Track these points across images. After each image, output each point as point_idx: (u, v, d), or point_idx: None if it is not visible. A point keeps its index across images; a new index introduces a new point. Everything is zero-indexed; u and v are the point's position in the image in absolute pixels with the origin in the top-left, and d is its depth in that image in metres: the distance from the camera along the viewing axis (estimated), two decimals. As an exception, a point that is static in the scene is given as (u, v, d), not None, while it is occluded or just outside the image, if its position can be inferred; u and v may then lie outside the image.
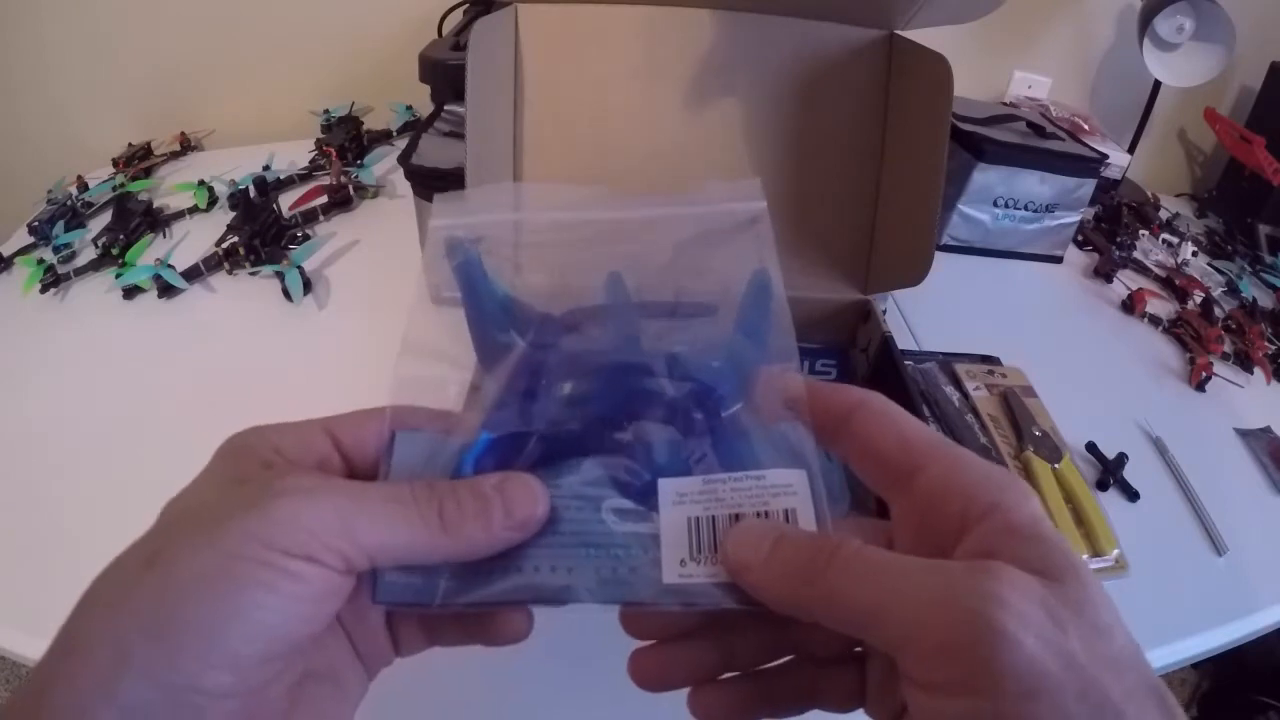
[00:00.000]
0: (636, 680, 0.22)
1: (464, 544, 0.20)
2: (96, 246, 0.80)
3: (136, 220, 0.83)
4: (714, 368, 0.24)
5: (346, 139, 0.99)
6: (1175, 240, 1.07)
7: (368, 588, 0.21)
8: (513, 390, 0.24)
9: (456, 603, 0.21)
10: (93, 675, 0.17)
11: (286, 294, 0.74)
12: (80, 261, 0.79)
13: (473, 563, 0.21)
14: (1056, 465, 0.63)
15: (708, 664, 0.23)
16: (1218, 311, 0.91)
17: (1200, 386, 0.80)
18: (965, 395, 0.70)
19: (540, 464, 0.23)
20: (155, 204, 0.88)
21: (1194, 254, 1.05)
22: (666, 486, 0.22)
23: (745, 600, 0.20)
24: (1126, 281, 0.96)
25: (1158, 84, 1.09)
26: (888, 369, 0.55)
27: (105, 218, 0.85)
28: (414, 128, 0.86)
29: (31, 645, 0.47)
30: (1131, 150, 1.16)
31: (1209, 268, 1.05)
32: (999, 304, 0.89)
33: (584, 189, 0.27)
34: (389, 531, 0.20)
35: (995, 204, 0.93)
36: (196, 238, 0.84)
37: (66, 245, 0.80)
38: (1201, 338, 0.85)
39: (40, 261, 0.76)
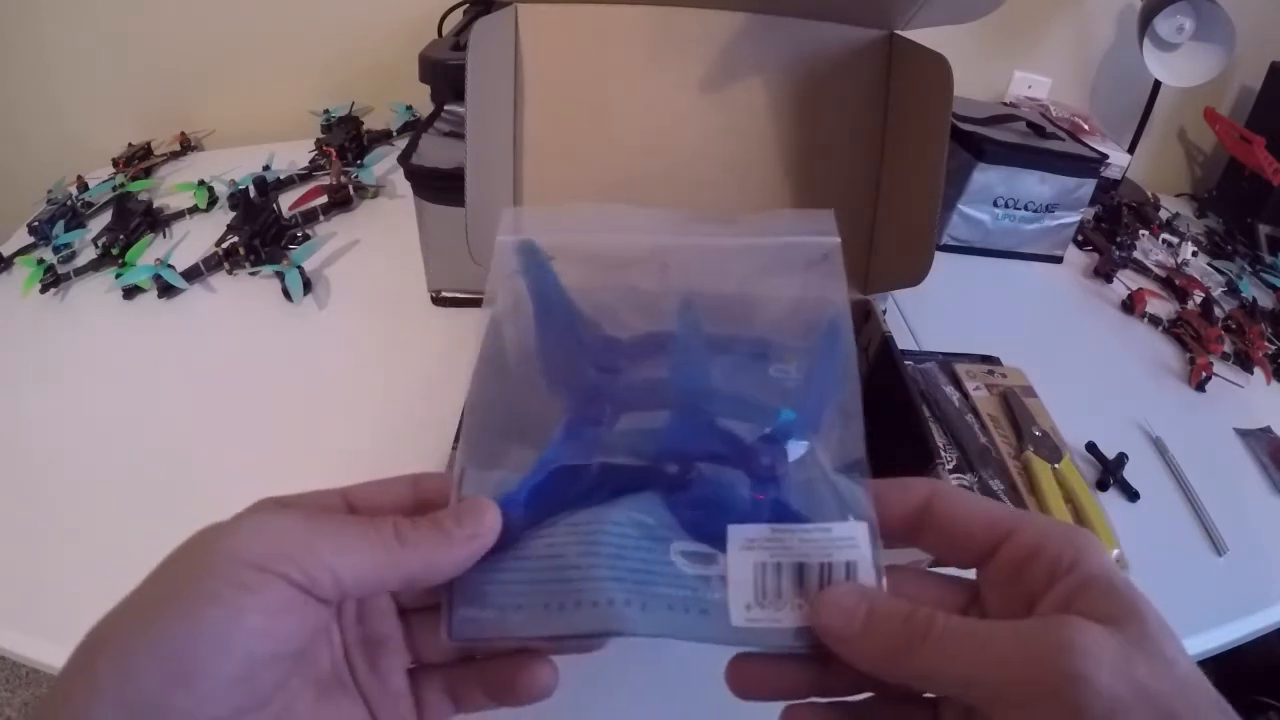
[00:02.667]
0: (733, 687, 0.23)
1: (423, 560, 0.21)
2: (96, 246, 0.80)
3: (136, 220, 0.83)
4: (783, 418, 0.25)
5: (346, 139, 0.99)
6: (1175, 240, 1.07)
7: (444, 625, 0.22)
8: (577, 415, 0.24)
9: (533, 635, 0.21)
10: (71, 709, 0.17)
11: (286, 294, 0.74)
12: (80, 261, 0.79)
13: (544, 596, 0.21)
14: (1056, 465, 0.63)
15: (801, 683, 0.23)
16: (1218, 311, 0.91)
17: (1200, 386, 0.79)
18: (965, 395, 0.70)
19: (601, 497, 0.23)
20: (155, 204, 0.88)
21: (1194, 254, 1.05)
22: (736, 532, 0.22)
23: (811, 645, 0.21)
24: (1126, 281, 0.96)
25: (1158, 84, 1.09)
26: (888, 369, 0.55)
27: (105, 218, 0.85)
28: (414, 128, 0.86)
29: (31, 646, 0.47)
30: (1131, 150, 1.16)
31: (1209, 268, 1.05)
32: (999, 304, 0.89)
33: (654, 211, 0.27)
34: (347, 549, 0.20)
35: (995, 204, 0.93)
36: (196, 238, 0.84)
37: (66, 245, 0.80)
38: (1201, 338, 0.85)
39: (40, 261, 0.76)
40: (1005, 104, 1.16)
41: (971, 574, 0.23)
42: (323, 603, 0.20)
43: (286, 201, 0.88)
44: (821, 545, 0.22)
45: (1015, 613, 0.21)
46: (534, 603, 0.21)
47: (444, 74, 0.79)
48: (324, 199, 0.88)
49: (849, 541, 0.22)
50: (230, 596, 0.18)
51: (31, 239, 0.82)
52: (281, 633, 0.19)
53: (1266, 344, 0.86)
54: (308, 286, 0.76)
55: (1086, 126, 1.12)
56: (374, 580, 0.21)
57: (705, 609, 0.22)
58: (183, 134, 1.02)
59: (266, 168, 0.93)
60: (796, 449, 0.24)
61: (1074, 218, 0.96)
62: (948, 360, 0.74)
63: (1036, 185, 0.92)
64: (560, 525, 0.23)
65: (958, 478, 0.62)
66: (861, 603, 0.21)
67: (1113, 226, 1.06)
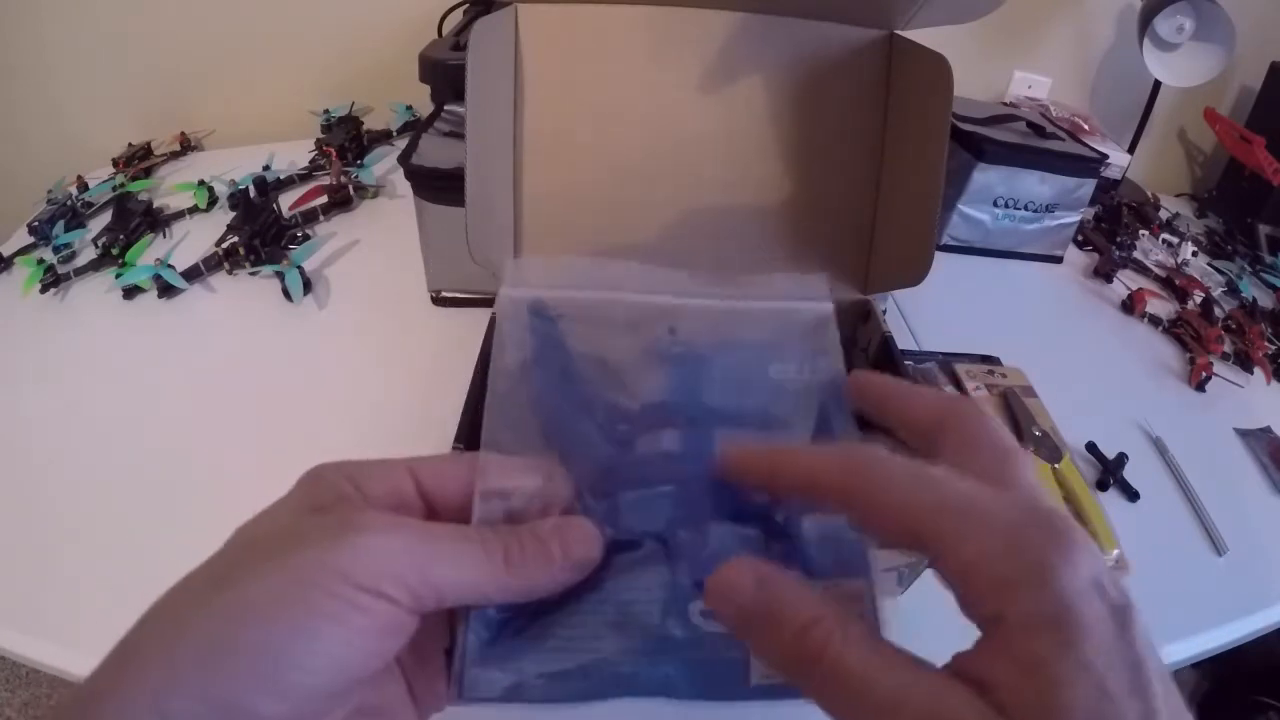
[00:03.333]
0: None
1: (526, 582, 0.21)
2: (96, 246, 0.80)
3: (136, 220, 0.83)
4: None
5: (346, 139, 0.99)
6: (1175, 240, 1.07)
7: (454, 683, 0.21)
8: (589, 487, 0.24)
9: (545, 697, 0.21)
10: (143, 688, 0.17)
11: (286, 294, 0.74)
12: (80, 261, 0.79)
13: (561, 661, 0.22)
14: (1056, 465, 0.63)
15: None
16: (1218, 311, 0.91)
17: (1200, 386, 0.79)
18: (965, 395, 0.70)
19: (619, 565, 0.23)
20: (155, 204, 0.88)
21: (1194, 254, 1.05)
22: None
23: None
24: (1126, 281, 0.96)
25: (1158, 84, 1.09)
26: (888, 369, 0.55)
27: (105, 218, 0.85)
28: (414, 128, 0.86)
29: (31, 646, 0.46)
30: (1131, 150, 1.16)
31: (1209, 268, 1.05)
32: (999, 304, 0.89)
33: (656, 269, 0.27)
34: (458, 569, 0.20)
35: (995, 204, 0.93)
36: (196, 238, 0.84)
37: (66, 245, 0.80)
38: (1201, 338, 0.85)
39: (40, 261, 0.76)
40: (1005, 104, 1.16)
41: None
42: (418, 616, 0.20)
43: (286, 201, 0.88)
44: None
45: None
46: (549, 668, 0.22)
47: (444, 74, 0.79)
48: (324, 199, 0.88)
49: (854, 595, 0.23)
50: (342, 614, 0.18)
51: (31, 239, 0.82)
52: (385, 651, 0.19)
53: (1266, 344, 0.86)
54: (308, 286, 0.76)
55: (1086, 126, 1.12)
56: (476, 598, 0.21)
57: (727, 669, 0.22)
58: (183, 134, 1.02)
59: (266, 168, 0.93)
60: (807, 510, 0.24)
61: (1074, 218, 0.96)
62: (948, 360, 0.74)
63: (1036, 185, 0.92)
64: (577, 589, 0.23)
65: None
66: (749, 576, 0.20)
67: (1113, 226, 1.06)
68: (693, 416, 0.26)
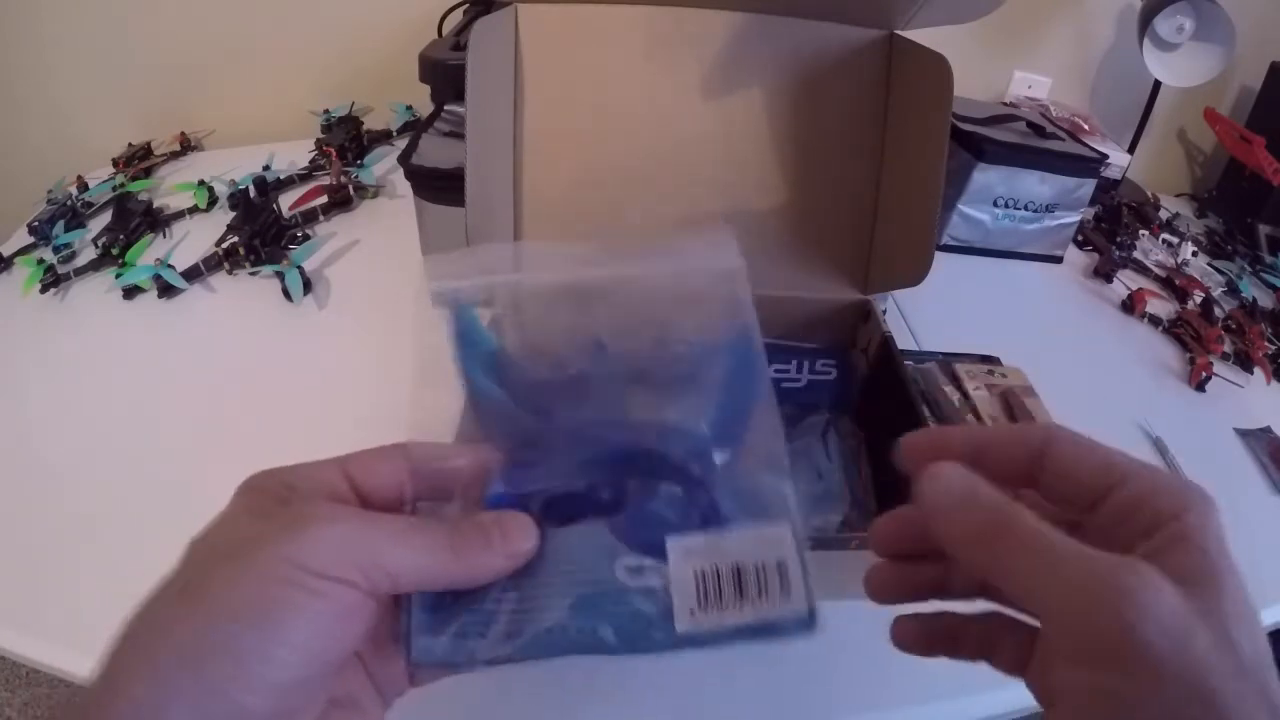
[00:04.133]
0: (870, 592, 0.25)
1: (468, 569, 0.22)
2: (96, 246, 0.80)
3: (136, 220, 0.83)
4: (703, 433, 0.26)
5: (346, 139, 0.99)
6: (1175, 240, 1.07)
7: (403, 651, 0.22)
8: (514, 456, 0.26)
9: (491, 660, 0.22)
10: (133, 709, 0.17)
11: (286, 294, 0.74)
12: (80, 261, 0.79)
13: (499, 623, 0.23)
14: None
15: (926, 581, 0.25)
16: (1218, 311, 0.91)
17: (1200, 386, 0.79)
18: (965, 395, 0.70)
19: (546, 527, 0.24)
20: (155, 204, 0.88)
21: (1194, 254, 1.05)
22: (675, 544, 0.24)
23: (755, 638, 0.23)
24: (1126, 281, 0.96)
25: (1158, 84, 1.09)
26: (888, 369, 0.55)
27: (105, 218, 0.85)
28: (414, 128, 0.86)
29: (31, 646, 0.47)
30: (1131, 150, 1.16)
31: (1209, 268, 1.05)
32: (999, 304, 0.89)
33: (567, 247, 0.28)
34: (407, 554, 0.21)
35: (995, 204, 0.93)
36: (196, 238, 0.84)
37: (66, 245, 0.80)
38: (1201, 338, 0.85)
39: (40, 261, 0.76)
40: (1005, 104, 1.16)
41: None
42: (377, 600, 0.21)
43: (286, 201, 0.88)
44: (754, 546, 0.24)
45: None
46: (492, 631, 0.23)
47: (444, 74, 0.79)
48: (324, 199, 0.88)
49: (778, 540, 0.24)
50: (304, 602, 0.19)
51: (31, 239, 0.82)
52: (349, 635, 0.20)
53: (1266, 344, 0.86)
54: (308, 286, 0.76)
55: (1086, 126, 1.12)
56: (424, 583, 0.22)
57: (652, 620, 0.23)
58: (183, 134, 1.02)
59: (266, 168, 0.93)
60: (721, 457, 0.26)
61: (1074, 218, 0.96)
62: (948, 360, 0.74)
63: (1036, 185, 0.92)
64: None
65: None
66: (964, 481, 0.22)
67: (1113, 226, 1.06)
68: (608, 385, 0.27)
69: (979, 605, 0.25)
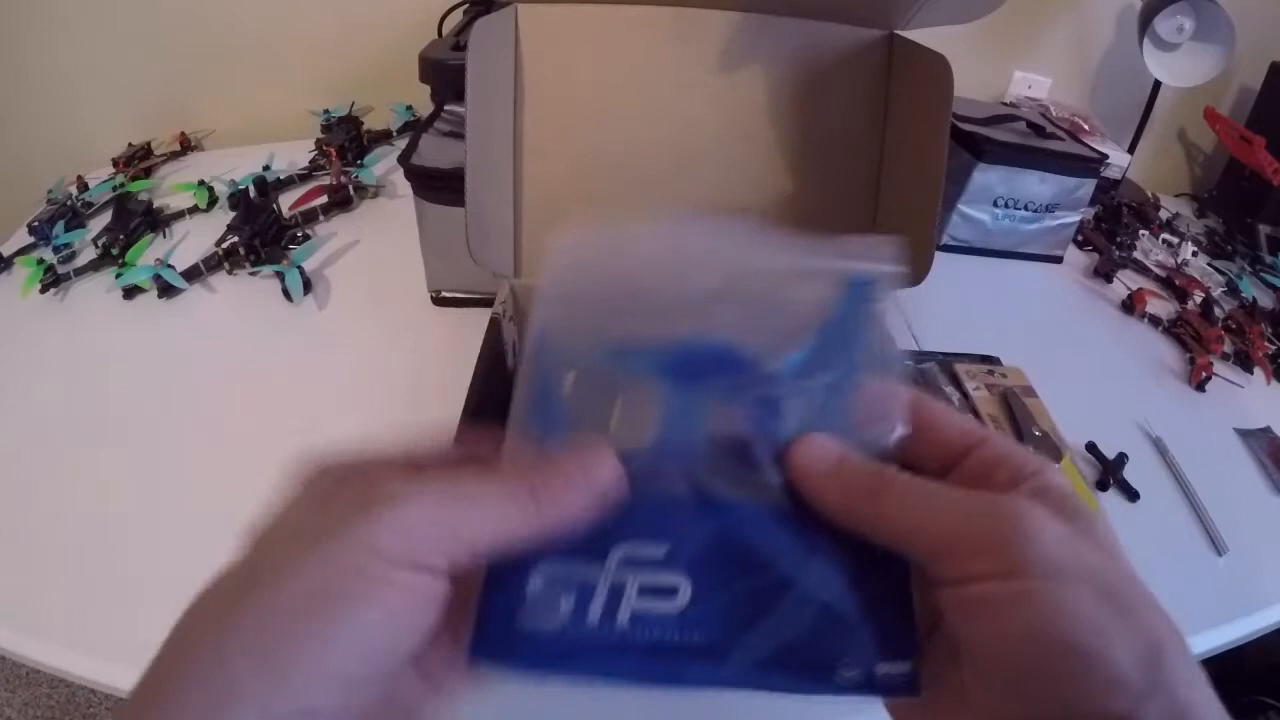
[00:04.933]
0: None
1: (555, 515, 0.20)
2: (96, 246, 0.80)
3: (136, 220, 0.83)
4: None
5: (346, 139, 0.99)
6: (1175, 240, 1.07)
7: (467, 645, 0.21)
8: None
9: (550, 676, 0.21)
10: (200, 706, 0.16)
11: (286, 294, 0.74)
12: (80, 261, 0.79)
13: (562, 646, 0.21)
14: (1056, 465, 0.63)
15: None
16: (1218, 311, 0.91)
17: (1200, 386, 0.79)
18: (965, 395, 0.70)
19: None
20: (155, 204, 0.88)
21: (1194, 254, 1.05)
22: None
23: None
24: (1126, 281, 0.96)
25: (1158, 84, 1.09)
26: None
27: (105, 218, 0.85)
28: (414, 128, 0.86)
29: (31, 646, 0.46)
30: (1131, 150, 1.16)
31: (1209, 268, 1.05)
32: (999, 304, 0.89)
33: (696, 226, 0.26)
34: (488, 518, 0.20)
35: (995, 204, 0.93)
36: (196, 238, 0.84)
37: (66, 245, 0.80)
38: (1201, 338, 0.85)
39: (40, 261, 0.76)
40: (1005, 104, 1.16)
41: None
42: (449, 581, 0.20)
43: (286, 201, 0.88)
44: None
45: None
46: (559, 649, 0.21)
47: (444, 74, 0.79)
48: (324, 199, 0.88)
49: None
50: (385, 598, 0.18)
51: (31, 239, 0.82)
52: (425, 626, 0.19)
53: (1266, 344, 0.86)
54: (308, 286, 0.76)
55: (1086, 126, 1.12)
56: (509, 544, 0.20)
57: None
58: (183, 134, 1.02)
59: (266, 168, 0.93)
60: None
61: (1074, 218, 0.96)
62: (948, 360, 0.74)
63: (1036, 185, 0.92)
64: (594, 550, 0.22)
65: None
66: (836, 447, 0.23)
67: (1113, 226, 1.06)
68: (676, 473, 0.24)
69: None
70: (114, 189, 0.89)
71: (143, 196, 0.88)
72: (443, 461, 0.23)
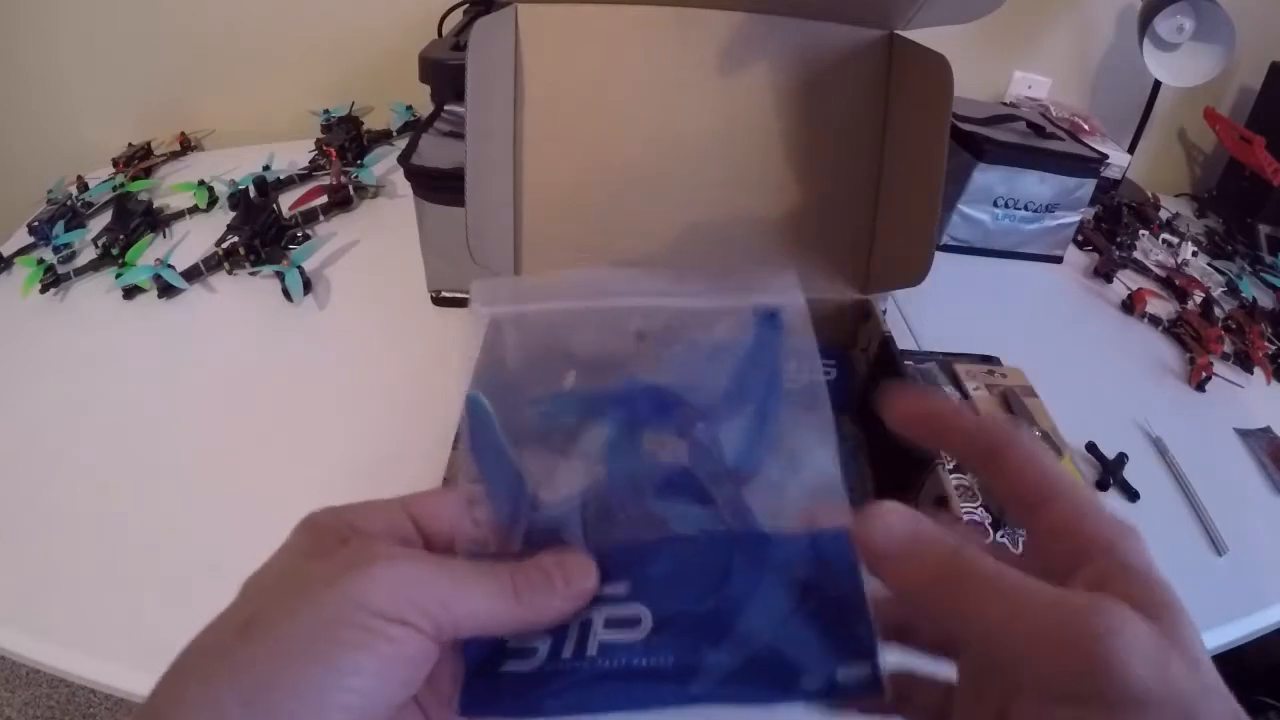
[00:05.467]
0: None
1: (534, 614, 0.22)
2: (96, 246, 0.80)
3: (136, 220, 0.83)
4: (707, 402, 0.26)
5: (346, 139, 0.99)
6: (1175, 240, 1.07)
7: (457, 697, 0.22)
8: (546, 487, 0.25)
9: (542, 714, 0.22)
10: None
11: (286, 294, 0.74)
12: (80, 261, 0.79)
13: (550, 684, 0.22)
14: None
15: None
16: (1218, 311, 0.91)
17: (1200, 386, 0.79)
18: (965, 395, 0.70)
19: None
20: (155, 204, 0.88)
21: (1194, 254, 1.05)
22: None
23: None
24: (1126, 281, 0.96)
25: (1158, 84, 1.09)
26: (888, 369, 0.55)
27: (105, 218, 0.85)
28: (414, 128, 0.86)
29: (31, 646, 0.46)
30: (1131, 150, 1.16)
31: (1209, 268, 1.05)
32: (999, 304, 0.89)
33: (631, 272, 0.28)
34: (474, 600, 0.21)
35: (995, 204, 0.93)
36: (196, 238, 0.84)
37: (66, 245, 0.80)
38: (1201, 338, 0.85)
39: (40, 261, 0.76)
40: (1005, 104, 1.16)
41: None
42: (438, 647, 0.21)
43: (286, 201, 0.88)
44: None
45: (1049, 575, 0.20)
46: (540, 688, 0.22)
47: (444, 74, 0.79)
48: (324, 199, 0.88)
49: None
50: (370, 644, 0.19)
51: (31, 239, 0.82)
52: (413, 680, 0.20)
53: (1266, 344, 0.86)
54: (308, 286, 0.76)
55: (1086, 126, 1.12)
56: (486, 627, 0.22)
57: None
58: (183, 134, 1.02)
59: (266, 168, 0.93)
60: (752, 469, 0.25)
61: (1074, 218, 0.96)
62: (948, 360, 0.74)
63: (1036, 185, 0.92)
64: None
65: (957, 478, 0.62)
66: (908, 523, 0.21)
67: (1113, 226, 1.06)
68: (628, 501, 0.26)
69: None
70: (114, 189, 0.89)
71: (143, 196, 0.88)
72: (436, 517, 0.24)
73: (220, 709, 0.17)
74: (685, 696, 0.22)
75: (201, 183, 0.89)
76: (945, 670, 0.24)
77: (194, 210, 0.88)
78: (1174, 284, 0.96)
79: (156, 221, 0.85)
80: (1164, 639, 0.18)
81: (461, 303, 0.75)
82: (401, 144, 0.87)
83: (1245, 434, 0.74)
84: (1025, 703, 0.19)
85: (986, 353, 0.76)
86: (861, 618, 0.22)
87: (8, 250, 0.81)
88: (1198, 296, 0.94)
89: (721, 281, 0.28)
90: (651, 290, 0.28)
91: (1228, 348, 0.85)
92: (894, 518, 0.21)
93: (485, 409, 0.26)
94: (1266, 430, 0.75)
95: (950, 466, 0.63)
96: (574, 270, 0.28)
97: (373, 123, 1.06)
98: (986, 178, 0.91)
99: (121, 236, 0.80)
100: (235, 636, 0.19)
